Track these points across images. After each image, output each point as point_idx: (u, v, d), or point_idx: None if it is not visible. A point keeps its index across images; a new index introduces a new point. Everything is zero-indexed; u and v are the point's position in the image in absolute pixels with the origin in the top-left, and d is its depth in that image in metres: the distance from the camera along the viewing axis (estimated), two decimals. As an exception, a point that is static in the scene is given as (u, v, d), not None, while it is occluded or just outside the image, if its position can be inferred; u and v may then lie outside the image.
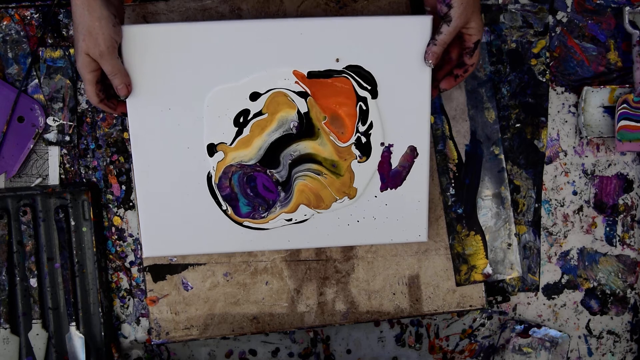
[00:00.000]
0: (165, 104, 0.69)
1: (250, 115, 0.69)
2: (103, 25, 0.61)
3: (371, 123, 0.70)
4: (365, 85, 0.70)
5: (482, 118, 0.79)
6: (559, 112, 0.81)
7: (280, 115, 0.69)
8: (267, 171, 0.71)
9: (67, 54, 0.78)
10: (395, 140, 0.71)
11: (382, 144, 0.71)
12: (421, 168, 0.72)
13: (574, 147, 0.81)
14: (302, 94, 0.69)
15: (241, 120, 0.70)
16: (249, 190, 0.71)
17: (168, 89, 0.68)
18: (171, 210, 0.71)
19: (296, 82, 0.69)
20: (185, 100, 0.69)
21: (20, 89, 0.77)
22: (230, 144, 0.70)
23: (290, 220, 0.72)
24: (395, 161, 0.72)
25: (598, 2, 0.81)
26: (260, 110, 0.69)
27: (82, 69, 0.65)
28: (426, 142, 0.71)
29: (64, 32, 0.79)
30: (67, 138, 0.78)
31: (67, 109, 0.78)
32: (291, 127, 0.70)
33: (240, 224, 0.72)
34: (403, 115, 0.70)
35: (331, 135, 0.70)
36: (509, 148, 0.80)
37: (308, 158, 0.71)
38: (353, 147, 0.71)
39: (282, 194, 0.71)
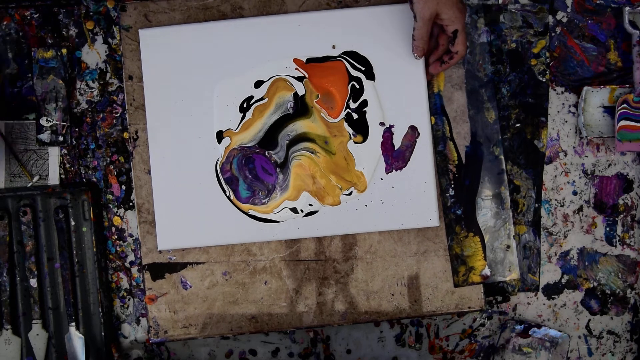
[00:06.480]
0: (179, 96, 0.74)
1: (253, 101, 0.75)
2: None
3: (364, 101, 0.74)
4: (358, 66, 0.74)
5: (482, 118, 0.78)
6: (559, 112, 0.81)
7: (277, 97, 0.74)
8: (266, 152, 0.74)
9: (59, 54, 0.78)
10: (396, 120, 0.74)
11: (382, 123, 0.74)
12: (424, 148, 0.75)
13: (574, 147, 0.81)
14: (300, 78, 0.75)
15: (245, 105, 0.75)
16: (248, 172, 0.74)
17: (181, 83, 0.74)
18: (184, 200, 0.75)
19: (296, 68, 0.74)
20: (197, 92, 0.74)
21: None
22: (236, 129, 0.75)
23: (296, 210, 0.74)
24: (397, 142, 0.75)
25: (598, 2, 0.80)
26: (262, 96, 0.75)
27: None
28: (426, 121, 0.75)
29: (63, 32, 0.79)
30: (61, 138, 0.78)
31: (60, 110, 0.78)
32: (288, 107, 0.74)
33: (246, 213, 0.74)
34: (401, 96, 0.74)
35: (322, 112, 0.74)
36: (509, 148, 0.80)
37: (303, 137, 0.74)
38: (345, 125, 0.74)
39: (281, 176, 0.74)
